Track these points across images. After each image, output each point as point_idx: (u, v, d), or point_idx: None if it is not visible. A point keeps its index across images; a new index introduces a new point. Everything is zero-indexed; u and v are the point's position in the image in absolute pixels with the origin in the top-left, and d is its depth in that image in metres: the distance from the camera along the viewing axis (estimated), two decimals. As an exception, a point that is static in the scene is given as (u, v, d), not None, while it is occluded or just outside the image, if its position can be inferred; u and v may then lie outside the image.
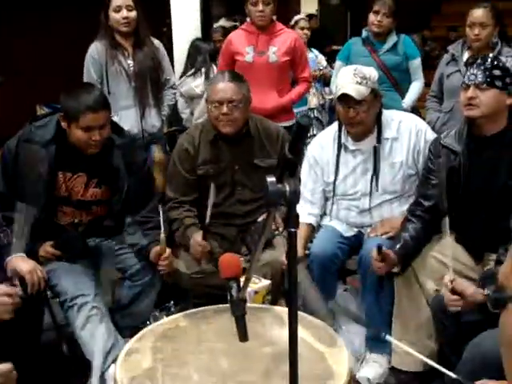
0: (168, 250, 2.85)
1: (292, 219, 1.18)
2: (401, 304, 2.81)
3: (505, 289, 1.22)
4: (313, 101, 5.52)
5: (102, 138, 2.73)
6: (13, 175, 2.78)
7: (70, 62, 4.16)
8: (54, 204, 2.85)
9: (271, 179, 1.17)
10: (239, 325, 1.77)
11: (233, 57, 4.06)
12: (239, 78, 3.08)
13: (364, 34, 4.52)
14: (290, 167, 1.18)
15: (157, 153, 4.05)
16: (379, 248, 2.65)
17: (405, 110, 3.90)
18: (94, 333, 2.64)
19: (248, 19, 4.15)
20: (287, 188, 1.16)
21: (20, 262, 2.61)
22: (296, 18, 5.98)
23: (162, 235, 2.81)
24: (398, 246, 2.74)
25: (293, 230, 1.19)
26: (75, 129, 2.69)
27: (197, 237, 2.96)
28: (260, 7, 3.94)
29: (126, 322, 2.92)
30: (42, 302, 2.74)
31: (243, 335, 1.77)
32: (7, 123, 3.21)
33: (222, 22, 5.53)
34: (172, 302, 3.34)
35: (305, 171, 3.14)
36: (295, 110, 4.82)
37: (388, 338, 2.08)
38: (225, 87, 3.00)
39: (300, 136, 1.16)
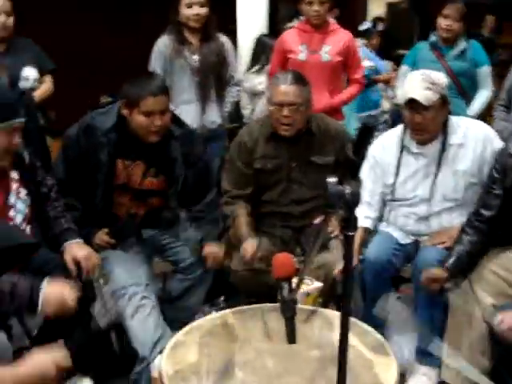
0: (220, 249, 2.86)
1: (351, 222, 1.15)
2: (455, 316, 2.73)
3: None
4: (385, 104, 5.46)
5: (164, 124, 2.75)
6: (73, 162, 2.83)
7: (135, 55, 4.21)
8: (112, 192, 2.88)
9: (332, 180, 1.13)
10: (288, 326, 1.76)
11: (285, 55, 4.03)
12: (302, 80, 3.03)
13: (432, 38, 4.42)
14: (351, 168, 1.15)
15: None
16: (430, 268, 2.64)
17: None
18: (142, 323, 2.67)
19: (302, 18, 4.12)
20: (347, 190, 1.13)
21: (77, 248, 2.65)
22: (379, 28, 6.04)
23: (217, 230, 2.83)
24: (450, 261, 2.68)
25: (351, 233, 1.16)
26: (137, 115, 2.72)
27: (248, 243, 2.94)
28: (316, 7, 3.90)
29: (176, 315, 2.92)
30: (94, 289, 2.77)
31: (291, 337, 1.75)
32: (71, 115, 3.26)
33: (295, 23, 5.47)
34: (222, 298, 3.34)
35: (365, 172, 3.08)
36: (367, 113, 4.81)
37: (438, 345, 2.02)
38: (287, 90, 2.96)
39: (365, 137, 1.13)
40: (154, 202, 2.97)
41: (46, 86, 3.91)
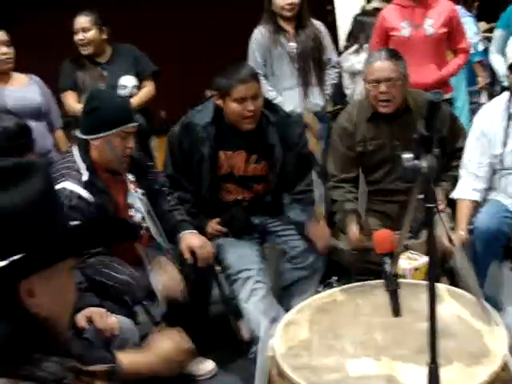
0: (325, 227, 2.91)
1: (429, 195, 1.19)
2: None
3: None
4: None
5: (256, 109, 2.86)
6: (178, 159, 3.00)
7: (236, 48, 4.32)
8: (218, 182, 3.02)
9: (407, 155, 1.18)
10: (392, 300, 1.80)
11: (387, 33, 3.97)
12: (396, 55, 3.04)
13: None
14: (425, 143, 1.19)
15: (310, 119, 4.08)
16: None
17: None
18: (257, 305, 2.77)
19: None
20: (423, 164, 1.17)
21: (191, 238, 2.79)
22: None
23: (321, 209, 2.88)
24: None
25: (430, 205, 1.20)
26: (230, 103, 2.85)
27: (353, 229, 2.98)
28: None
29: (288, 300, 2.99)
30: (211, 276, 2.92)
31: (396, 310, 1.79)
32: (179, 110, 3.43)
33: (376, 4, 5.33)
34: (334, 278, 3.40)
35: (471, 144, 3.03)
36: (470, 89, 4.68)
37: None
38: (382, 66, 2.97)
39: (433, 112, 1.16)
40: (258, 188, 3.08)
41: (146, 90, 4.07)
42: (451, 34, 3.94)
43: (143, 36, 6.21)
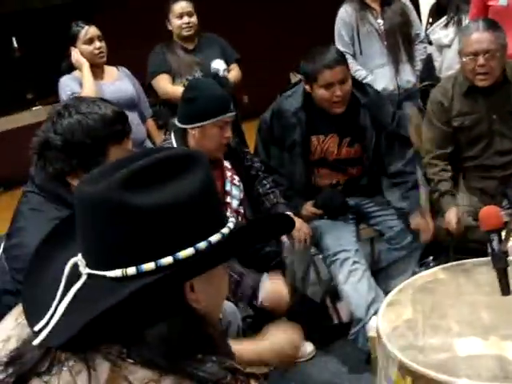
0: (429, 220, 2.85)
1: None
2: None
3: None
4: None
5: (345, 94, 2.82)
6: (270, 144, 3.01)
7: (319, 29, 4.29)
8: (311, 168, 3.01)
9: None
10: (501, 278, 1.74)
11: (485, 2, 3.83)
12: (494, 25, 2.92)
13: None
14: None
15: (414, 117, 3.98)
16: None
17: None
18: (355, 286, 2.76)
19: None
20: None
21: None
22: None
23: (423, 197, 2.82)
24: None
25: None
26: (317, 89, 2.82)
27: (450, 215, 2.90)
28: None
29: (387, 281, 2.95)
30: (308, 257, 2.92)
31: (506, 289, 1.74)
32: (265, 95, 3.43)
33: None
34: (431, 258, 3.34)
35: None
36: None
37: None
38: (480, 37, 2.86)
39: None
40: (353, 171, 3.05)
41: (234, 75, 4.11)
42: None
43: (226, 21, 6.28)
